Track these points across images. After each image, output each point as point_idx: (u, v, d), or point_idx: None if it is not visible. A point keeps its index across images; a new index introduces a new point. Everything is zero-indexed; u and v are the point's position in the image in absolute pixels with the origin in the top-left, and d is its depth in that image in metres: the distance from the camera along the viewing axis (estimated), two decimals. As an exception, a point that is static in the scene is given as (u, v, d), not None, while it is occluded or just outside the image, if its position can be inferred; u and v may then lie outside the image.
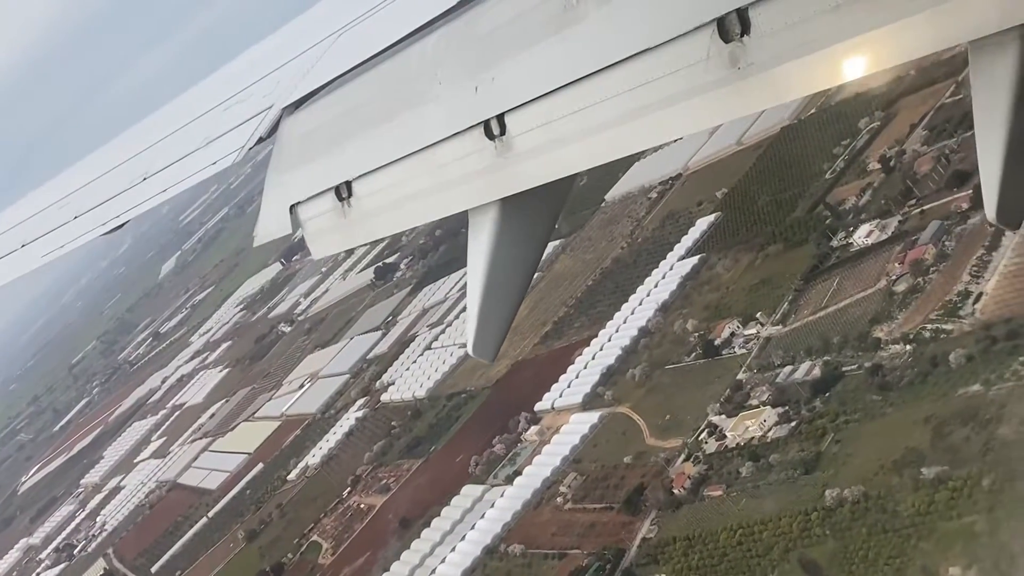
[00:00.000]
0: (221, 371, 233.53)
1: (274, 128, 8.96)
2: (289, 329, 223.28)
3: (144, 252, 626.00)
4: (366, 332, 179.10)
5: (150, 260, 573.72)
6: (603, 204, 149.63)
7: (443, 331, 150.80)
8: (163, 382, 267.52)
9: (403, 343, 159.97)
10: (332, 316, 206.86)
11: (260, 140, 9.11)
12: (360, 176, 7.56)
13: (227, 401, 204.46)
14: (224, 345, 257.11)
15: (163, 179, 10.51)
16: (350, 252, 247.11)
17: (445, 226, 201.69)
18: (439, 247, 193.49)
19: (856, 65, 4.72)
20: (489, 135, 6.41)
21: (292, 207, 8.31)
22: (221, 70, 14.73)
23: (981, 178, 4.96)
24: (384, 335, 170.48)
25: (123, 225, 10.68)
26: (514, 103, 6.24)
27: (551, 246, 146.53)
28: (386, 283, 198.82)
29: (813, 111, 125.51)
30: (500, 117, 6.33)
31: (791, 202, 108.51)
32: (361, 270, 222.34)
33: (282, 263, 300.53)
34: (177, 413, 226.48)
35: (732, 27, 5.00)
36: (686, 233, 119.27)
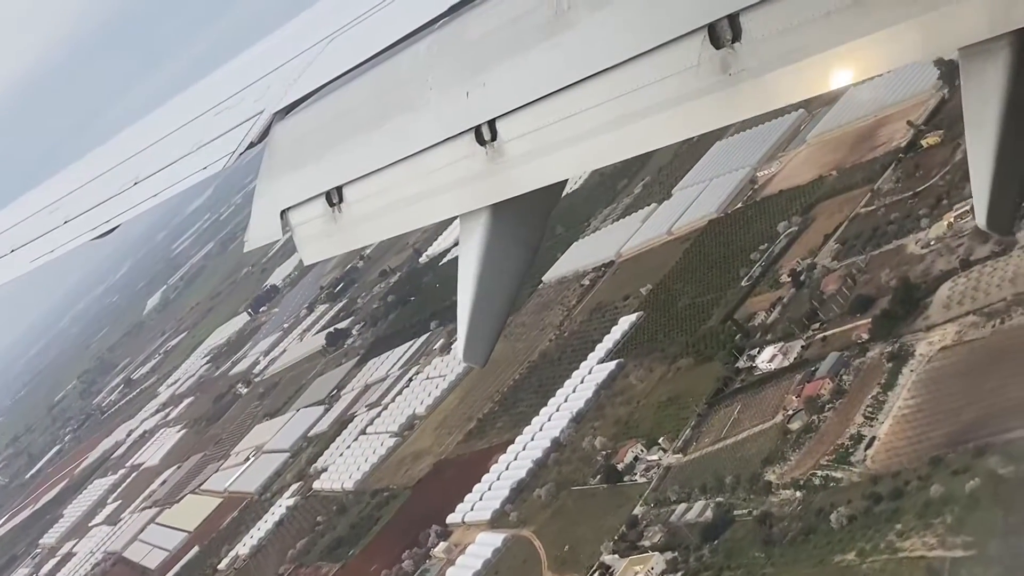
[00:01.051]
0: (179, 431, 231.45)
1: (265, 133, 8.66)
2: (245, 391, 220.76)
3: (136, 281, 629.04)
4: (311, 405, 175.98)
5: (139, 292, 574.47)
6: (540, 286, 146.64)
7: (379, 414, 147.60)
8: (128, 435, 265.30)
9: (343, 422, 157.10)
10: (284, 381, 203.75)
11: (251, 145, 8.75)
12: (351, 181, 7.36)
13: (179, 467, 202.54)
14: (186, 401, 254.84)
15: (154, 184, 10.19)
16: (310, 309, 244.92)
17: (398, 292, 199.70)
18: (389, 314, 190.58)
19: (847, 72, 4.59)
20: (480, 141, 6.25)
21: (283, 212, 8.00)
22: (212, 75, 14.53)
23: (971, 185, 4.83)
24: (327, 410, 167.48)
25: (113, 230, 10.34)
26: (505, 109, 6.09)
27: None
28: (337, 349, 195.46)
29: (740, 205, 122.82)
30: (491, 123, 6.17)
31: (707, 308, 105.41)
32: (317, 332, 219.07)
33: (249, 313, 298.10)
34: (135, 474, 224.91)
35: (723, 33, 4.90)
36: (609, 332, 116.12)
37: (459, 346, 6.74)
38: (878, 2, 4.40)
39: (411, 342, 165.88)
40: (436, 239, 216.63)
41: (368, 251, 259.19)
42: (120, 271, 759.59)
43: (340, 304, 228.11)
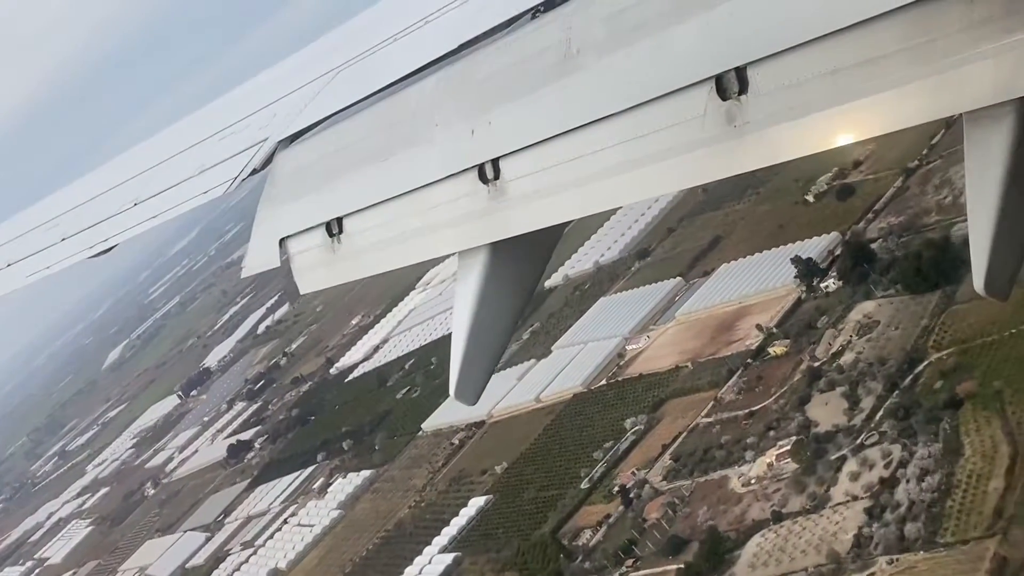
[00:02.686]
0: (88, 526, 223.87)
1: (268, 160, 8.43)
2: (152, 493, 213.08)
3: (110, 325, 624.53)
4: (198, 528, 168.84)
5: (108, 339, 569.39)
6: (419, 433, 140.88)
7: (249, 559, 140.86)
8: (48, 517, 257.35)
9: (218, 558, 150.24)
10: (185, 491, 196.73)
11: (254, 172, 8.53)
12: (352, 213, 7.20)
13: (75, 574, 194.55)
14: (103, 491, 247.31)
15: (154, 205, 9.90)
16: (230, 405, 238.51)
17: (303, 406, 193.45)
18: (288, 432, 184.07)
19: (851, 130, 4.58)
20: (483, 179, 6.15)
21: (282, 240, 7.81)
22: (217, 100, 13.75)
23: (971, 248, 4.77)
24: (208, 539, 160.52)
25: (110, 249, 10.18)
26: (509, 148, 6.02)
27: (363, 476, 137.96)
28: (237, 463, 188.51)
29: (604, 383, 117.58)
30: (495, 162, 6.08)
31: (548, 506, 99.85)
32: (227, 436, 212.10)
33: (180, 396, 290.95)
34: (38, 570, 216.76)
35: (730, 85, 4.84)
36: (458, 514, 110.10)
37: (451, 384, 6.55)
38: (884, 63, 4.29)
39: (298, 473, 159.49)
40: (350, 349, 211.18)
41: (292, 348, 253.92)
42: (100, 310, 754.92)
43: (255, 406, 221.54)
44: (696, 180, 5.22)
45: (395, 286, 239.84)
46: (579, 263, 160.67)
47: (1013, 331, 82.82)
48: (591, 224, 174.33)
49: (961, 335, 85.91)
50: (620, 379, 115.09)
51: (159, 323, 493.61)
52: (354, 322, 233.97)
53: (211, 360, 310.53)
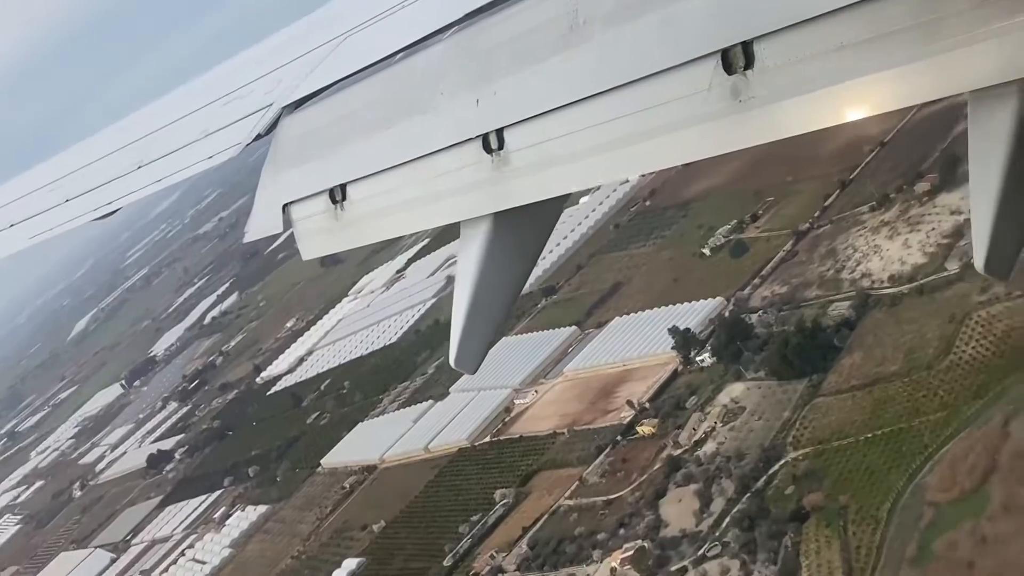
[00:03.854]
0: (16, 524, 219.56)
1: (273, 126, 8.15)
2: (78, 495, 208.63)
3: (86, 288, 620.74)
4: (108, 546, 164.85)
5: (80, 305, 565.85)
6: (318, 469, 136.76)
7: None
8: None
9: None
10: (107, 499, 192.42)
11: (258, 137, 8.26)
12: (356, 180, 6.98)
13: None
14: (38, 484, 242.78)
15: (158, 169, 9.61)
16: (164, 404, 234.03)
17: (225, 417, 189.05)
18: (206, 447, 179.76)
19: (856, 107, 4.44)
20: (487, 149, 5.96)
21: (285, 206, 7.52)
22: (223, 64, 13.16)
23: (972, 228, 4.65)
24: (114, 561, 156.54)
25: (114, 212, 9.89)
26: (514, 119, 5.84)
27: (259, 512, 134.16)
28: (156, 474, 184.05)
29: (488, 439, 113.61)
30: (499, 132, 5.90)
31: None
32: (157, 439, 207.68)
33: (123, 386, 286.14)
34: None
35: (736, 59, 4.71)
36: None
37: (452, 352, 6.32)
38: (891, 40, 4.23)
39: (205, 497, 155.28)
40: (279, 357, 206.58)
41: (230, 346, 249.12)
42: (81, 269, 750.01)
43: (184, 409, 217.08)
44: (700, 154, 5.05)
45: (332, 287, 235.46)
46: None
47: (868, 436, 79.13)
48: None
49: (820, 434, 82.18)
50: (502, 438, 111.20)
51: (124, 297, 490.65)
52: (288, 324, 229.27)
53: (159, 348, 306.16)
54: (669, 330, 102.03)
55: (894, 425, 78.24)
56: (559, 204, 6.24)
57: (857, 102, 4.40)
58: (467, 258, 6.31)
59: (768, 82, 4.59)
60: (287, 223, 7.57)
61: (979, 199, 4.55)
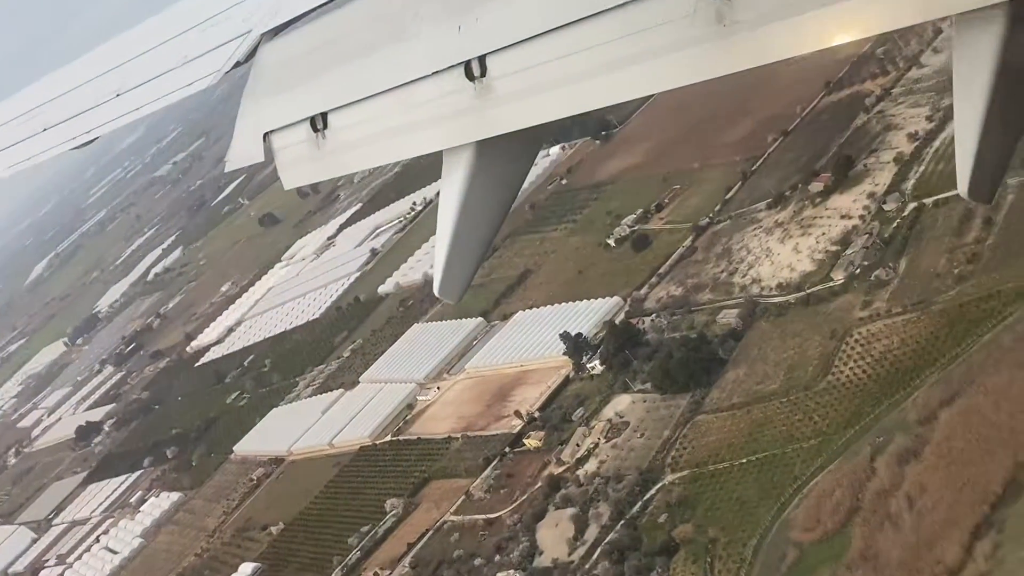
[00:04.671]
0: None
1: (252, 53, 7.95)
2: (12, 463, 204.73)
3: (48, 227, 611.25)
4: (31, 523, 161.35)
5: (40, 246, 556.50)
6: (231, 456, 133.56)
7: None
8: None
9: (35, 569, 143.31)
10: (37, 469, 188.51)
11: (237, 64, 8.04)
12: (337, 108, 6.80)
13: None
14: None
15: (137, 97, 9.41)
16: (101, 367, 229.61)
17: (153, 387, 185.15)
18: (133, 421, 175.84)
19: (842, 31, 4.37)
20: (469, 76, 5.80)
21: (266, 135, 7.38)
22: None
23: (956, 153, 4.66)
24: (35, 541, 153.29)
25: (93, 140, 9.75)
26: (497, 46, 5.67)
27: (172, 500, 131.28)
28: (84, 446, 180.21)
29: (389, 437, 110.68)
30: (482, 59, 5.75)
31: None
32: (90, 406, 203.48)
33: (66, 344, 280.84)
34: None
35: None
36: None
37: (435, 281, 6.35)
38: None
39: (125, 477, 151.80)
40: (209, 326, 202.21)
41: (168, 308, 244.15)
42: (47, 206, 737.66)
43: (119, 375, 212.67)
44: (684, 80, 4.94)
45: (268, 249, 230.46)
46: (411, 271, 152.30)
47: (743, 461, 76.63)
48: (427, 230, 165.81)
49: (698, 455, 79.72)
50: (402, 438, 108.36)
51: (79, 242, 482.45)
52: (224, 288, 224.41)
53: (103, 303, 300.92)
54: (561, 336, 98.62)
55: (768, 451, 75.85)
56: (543, 132, 5.99)
57: (843, 25, 4.29)
58: (450, 187, 6.17)
59: (752, 6, 4.49)
60: (268, 152, 7.34)
61: (963, 125, 4.53)
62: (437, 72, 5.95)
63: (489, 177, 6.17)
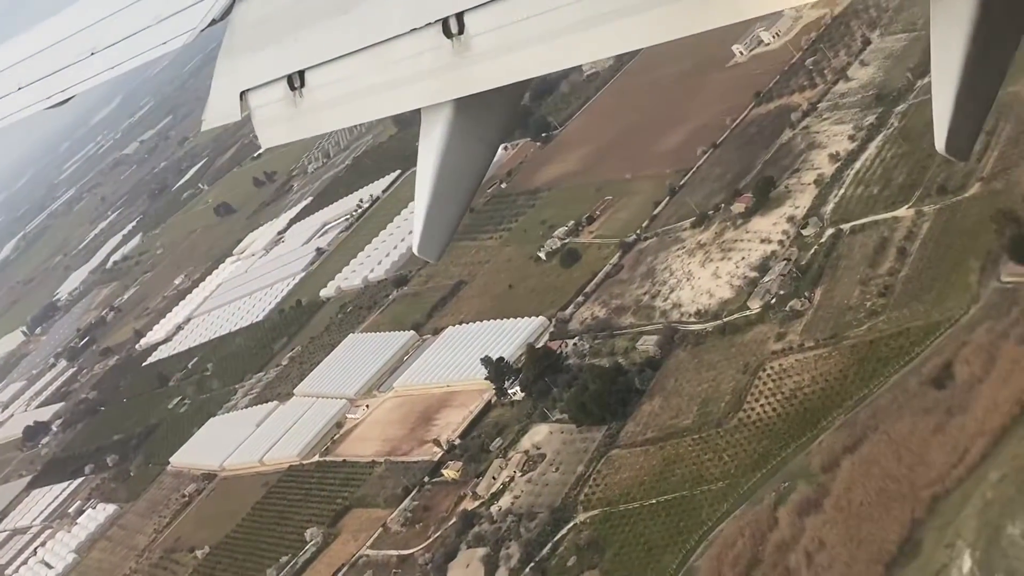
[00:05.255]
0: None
1: (228, 11, 7.78)
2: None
3: (21, 203, 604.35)
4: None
5: (11, 224, 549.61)
6: (167, 468, 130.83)
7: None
8: None
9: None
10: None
11: (213, 22, 7.87)
12: (314, 66, 6.63)
13: None
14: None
15: (112, 55, 9.17)
16: (56, 360, 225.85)
17: (102, 387, 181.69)
18: (79, 423, 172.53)
19: None
20: (447, 33, 5.70)
21: (242, 93, 7.18)
22: None
23: (934, 110, 4.65)
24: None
25: (68, 100, 9.51)
26: (475, 2, 5.60)
27: (108, 512, 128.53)
28: (32, 447, 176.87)
29: (317, 458, 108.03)
30: (459, 15, 5.65)
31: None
32: (42, 403, 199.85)
33: (24, 333, 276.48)
34: None
35: None
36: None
37: (415, 240, 6.18)
38: None
39: (67, 484, 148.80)
40: (159, 323, 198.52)
41: (123, 300, 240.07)
42: (21, 180, 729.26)
43: (71, 371, 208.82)
44: (665, 36, 4.87)
45: (222, 241, 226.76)
46: (353, 275, 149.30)
47: (654, 501, 74.60)
48: (371, 230, 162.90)
49: (610, 493, 77.73)
50: (329, 459, 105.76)
51: (47, 223, 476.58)
52: (176, 282, 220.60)
53: (63, 290, 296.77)
54: (482, 360, 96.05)
55: (678, 492, 73.90)
56: (521, 89, 5.97)
57: None
58: (428, 146, 6.08)
59: None
60: (244, 110, 7.14)
61: (940, 81, 4.51)
62: (415, 29, 5.82)
63: (468, 135, 6.04)
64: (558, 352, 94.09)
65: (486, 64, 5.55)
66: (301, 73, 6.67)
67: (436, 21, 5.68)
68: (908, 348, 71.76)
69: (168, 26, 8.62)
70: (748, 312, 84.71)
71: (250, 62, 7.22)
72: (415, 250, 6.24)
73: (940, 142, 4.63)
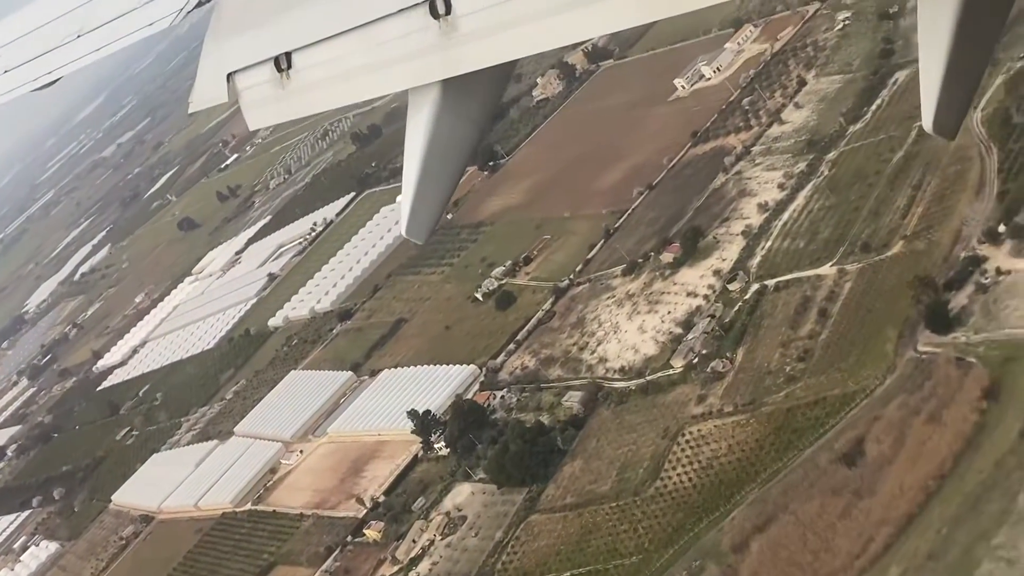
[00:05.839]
0: None
1: None
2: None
3: (5, 201, 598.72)
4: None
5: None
6: (109, 506, 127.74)
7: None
8: None
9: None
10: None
11: (199, 4, 7.89)
12: (301, 48, 6.49)
13: None
14: None
15: (98, 37, 9.01)
16: (19, 378, 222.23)
17: (57, 410, 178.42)
18: (32, 450, 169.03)
19: None
20: (434, 14, 5.60)
21: (229, 75, 7.00)
22: None
23: (921, 90, 4.61)
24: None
25: (55, 82, 9.40)
26: None
27: (49, 551, 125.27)
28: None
29: (249, 506, 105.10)
30: None
31: None
32: (2, 424, 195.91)
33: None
34: None
35: None
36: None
37: (403, 222, 6.06)
38: None
39: (16, 516, 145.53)
40: (116, 343, 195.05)
41: (86, 316, 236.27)
42: (5, 178, 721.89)
43: (31, 391, 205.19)
44: (654, 15, 4.77)
45: (184, 258, 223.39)
46: (301, 304, 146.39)
47: (569, 574, 72.05)
48: (322, 256, 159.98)
49: (527, 562, 75.40)
50: (260, 508, 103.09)
51: (24, 226, 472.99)
52: (137, 300, 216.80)
53: (32, 302, 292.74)
54: (408, 414, 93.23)
55: (592, 565, 71.71)
56: (508, 70, 5.87)
57: None
58: (416, 127, 5.98)
59: None
60: (232, 93, 7.00)
61: (928, 63, 4.46)
62: (402, 10, 5.70)
63: (456, 116, 5.91)
64: (485, 405, 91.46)
65: (473, 45, 5.44)
66: (288, 54, 6.53)
67: (423, 1, 5.55)
68: (823, 419, 69.39)
69: (154, 7, 8.44)
70: (671, 371, 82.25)
71: (237, 44, 7.03)
72: (403, 232, 6.11)
73: (927, 121, 4.58)
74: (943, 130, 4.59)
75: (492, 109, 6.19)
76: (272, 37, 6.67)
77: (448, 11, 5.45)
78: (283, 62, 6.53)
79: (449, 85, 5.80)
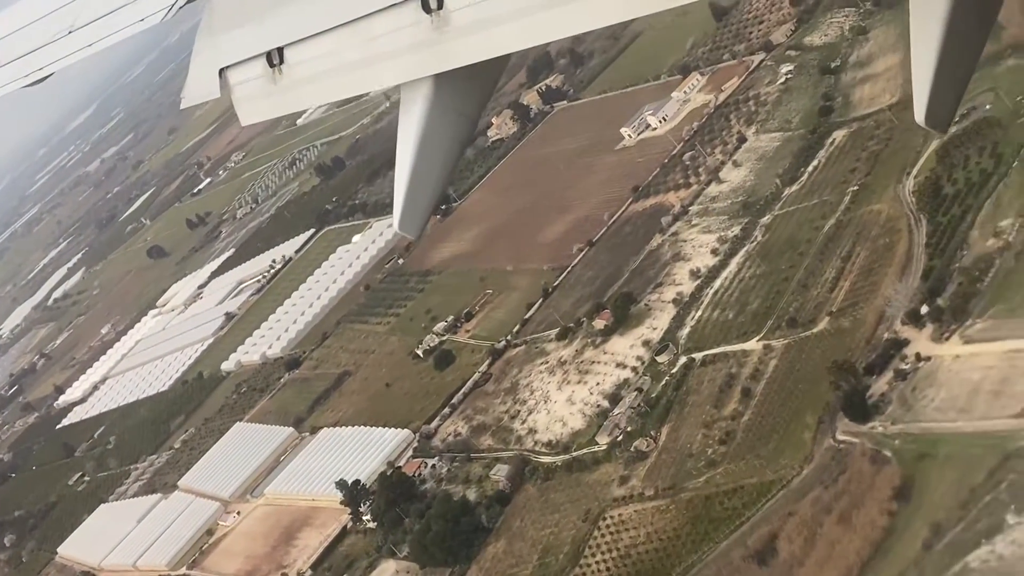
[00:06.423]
0: None
1: None
2: None
3: None
4: None
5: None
6: (55, 558, 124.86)
7: None
8: None
9: None
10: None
11: (190, 0, 7.57)
12: (293, 43, 6.39)
13: None
14: None
15: (90, 33, 8.83)
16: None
17: (17, 449, 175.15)
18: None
19: None
20: (426, 8, 5.52)
21: (221, 71, 6.89)
22: None
23: (913, 84, 4.57)
24: None
25: (47, 78, 9.19)
26: None
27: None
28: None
29: (184, 569, 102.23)
30: None
31: None
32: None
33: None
34: None
35: None
36: None
37: (395, 216, 5.93)
38: None
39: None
40: (80, 376, 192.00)
41: (54, 346, 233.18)
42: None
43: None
44: (640, 11, 4.69)
45: (150, 288, 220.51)
46: (253, 348, 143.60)
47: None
48: (279, 296, 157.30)
49: (444, 651, 72.47)
50: (193, 574, 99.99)
51: (5, 245, 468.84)
52: (103, 331, 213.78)
53: (6, 327, 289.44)
54: (337, 484, 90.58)
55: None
56: (500, 64, 5.76)
57: None
58: (408, 121, 5.90)
59: None
60: (224, 88, 6.88)
61: (920, 57, 4.39)
62: (394, 4, 5.65)
63: (448, 110, 5.83)
64: (416, 475, 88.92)
65: (465, 39, 5.37)
66: (280, 50, 6.41)
67: None
68: (740, 510, 67.05)
69: (145, 3, 8.26)
70: (596, 448, 79.80)
71: (229, 39, 6.88)
72: (395, 227, 5.95)
73: (920, 115, 4.50)
74: (935, 123, 4.50)
75: (483, 103, 6.06)
76: (264, 32, 6.56)
77: (440, 6, 5.39)
78: (275, 57, 6.44)
79: (441, 80, 5.71)
